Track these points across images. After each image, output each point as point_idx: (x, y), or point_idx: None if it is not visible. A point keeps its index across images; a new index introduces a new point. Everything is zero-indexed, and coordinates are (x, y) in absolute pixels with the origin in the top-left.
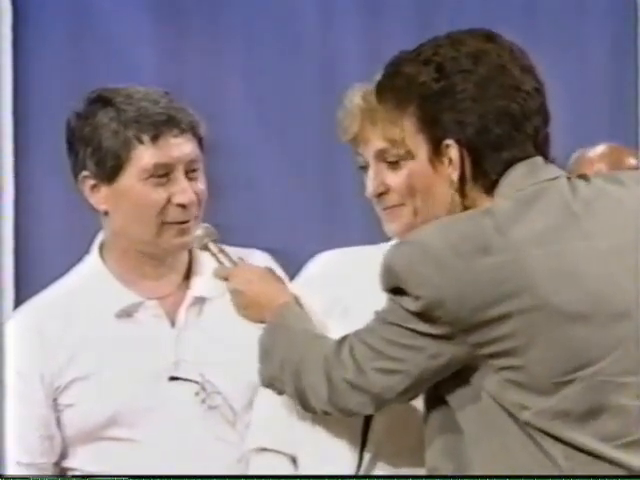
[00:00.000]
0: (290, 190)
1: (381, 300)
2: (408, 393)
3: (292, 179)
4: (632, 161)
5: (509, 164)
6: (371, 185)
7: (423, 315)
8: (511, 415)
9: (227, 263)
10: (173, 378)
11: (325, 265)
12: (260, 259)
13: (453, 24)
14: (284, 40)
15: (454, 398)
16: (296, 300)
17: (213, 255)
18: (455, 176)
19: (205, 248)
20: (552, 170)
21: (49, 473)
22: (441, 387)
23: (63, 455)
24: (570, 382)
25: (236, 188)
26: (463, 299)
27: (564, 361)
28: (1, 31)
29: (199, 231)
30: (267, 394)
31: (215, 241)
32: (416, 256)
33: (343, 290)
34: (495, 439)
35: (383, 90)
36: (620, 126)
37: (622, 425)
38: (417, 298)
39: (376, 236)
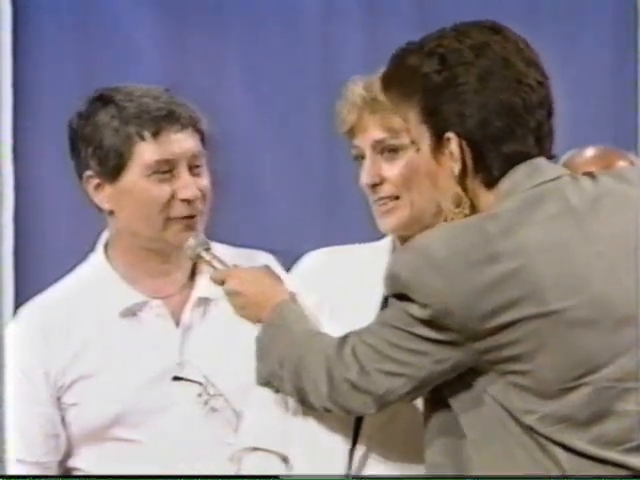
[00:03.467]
0: (293, 190)
1: (370, 299)
2: (411, 395)
3: (295, 178)
4: (622, 164)
5: (510, 158)
6: (366, 175)
7: (430, 322)
8: (515, 419)
9: (222, 269)
10: (176, 378)
11: (314, 264)
12: (264, 260)
13: (453, 19)
14: (286, 35)
15: (457, 401)
16: (293, 298)
17: (207, 263)
18: (456, 169)
19: (198, 258)
20: (555, 170)
21: (53, 472)
22: (443, 390)
23: (67, 454)
24: (576, 387)
25: (238, 187)
26: (471, 308)
27: (571, 367)
28: (1, 31)
29: (191, 241)
30: (258, 394)
31: (207, 249)
32: (423, 266)
33: (331, 289)
34: (498, 443)
35: (388, 81)
36: (620, 126)
37: (626, 430)
38: (425, 307)
39: (379, 237)
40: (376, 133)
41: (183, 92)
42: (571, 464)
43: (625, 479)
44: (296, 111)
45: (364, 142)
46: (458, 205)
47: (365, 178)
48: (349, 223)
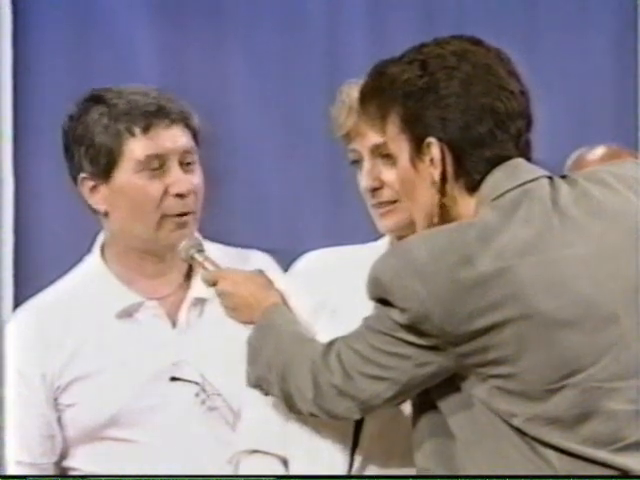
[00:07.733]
0: (292, 189)
1: (369, 299)
2: (395, 399)
3: (295, 177)
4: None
5: (491, 163)
6: (366, 180)
7: (410, 327)
8: (504, 420)
9: (214, 270)
10: (174, 379)
11: (313, 264)
12: (260, 259)
13: (457, 17)
14: (288, 34)
15: (445, 404)
16: (285, 301)
17: (200, 265)
18: (436, 175)
19: (191, 259)
20: (533, 171)
21: (50, 473)
22: (432, 392)
23: (63, 455)
24: (561, 389)
25: (238, 186)
26: (449, 312)
27: (555, 368)
28: (1, 31)
29: (184, 243)
30: (256, 393)
31: (200, 251)
32: (402, 269)
33: (331, 290)
34: (488, 444)
35: (366, 93)
36: (620, 126)
37: (614, 430)
38: (403, 311)
39: (379, 238)
40: (375, 137)
41: (183, 92)
42: (562, 464)
43: (617, 479)
44: (298, 110)
45: (362, 146)
46: (435, 212)
47: (365, 182)
48: (350, 223)
